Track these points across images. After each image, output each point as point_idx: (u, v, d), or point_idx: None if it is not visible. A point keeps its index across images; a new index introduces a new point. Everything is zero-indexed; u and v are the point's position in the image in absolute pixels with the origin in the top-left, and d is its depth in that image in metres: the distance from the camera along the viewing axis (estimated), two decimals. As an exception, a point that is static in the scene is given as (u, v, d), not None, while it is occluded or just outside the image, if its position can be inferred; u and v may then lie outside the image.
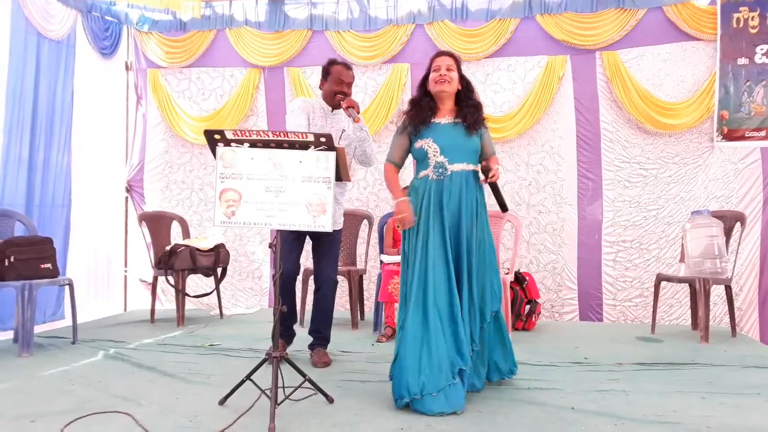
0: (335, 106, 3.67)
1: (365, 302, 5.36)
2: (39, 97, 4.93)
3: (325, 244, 3.68)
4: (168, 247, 5.00)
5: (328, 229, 2.69)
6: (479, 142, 3.05)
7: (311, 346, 3.75)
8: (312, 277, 3.88)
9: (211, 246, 5.10)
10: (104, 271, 5.84)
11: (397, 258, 4.57)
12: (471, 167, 3.02)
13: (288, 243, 3.59)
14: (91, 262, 5.65)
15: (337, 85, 3.63)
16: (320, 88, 3.75)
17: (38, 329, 4.28)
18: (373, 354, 3.92)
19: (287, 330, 3.79)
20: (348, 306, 4.96)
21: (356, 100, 5.70)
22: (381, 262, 4.76)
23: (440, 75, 3.02)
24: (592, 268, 5.41)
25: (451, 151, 2.99)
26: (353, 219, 5.16)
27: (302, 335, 3.88)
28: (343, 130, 3.67)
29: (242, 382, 2.76)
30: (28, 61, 4.82)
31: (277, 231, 2.76)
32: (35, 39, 4.89)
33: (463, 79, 3.12)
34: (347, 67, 3.72)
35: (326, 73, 3.70)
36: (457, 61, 3.11)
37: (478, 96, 3.15)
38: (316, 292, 3.75)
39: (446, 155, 2.99)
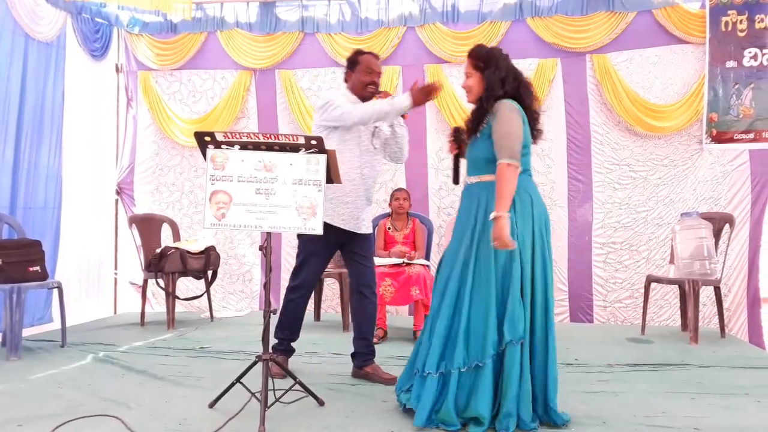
0: (366, 98, 3.35)
1: (356, 304, 5.34)
2: (26, 99, 4.88)
3: (364, 247, 3.45)
4: (158, 250, 4.98)
5: (319, 231, 2.69)
6: (483, 145, 2.68)
7: (365, 360, 3.41)
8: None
9: (202, 248, 5.08)
10: (94, 273, 5.80)
11: (389, 260, 4.58)
12: (473, 179, 2.73)
13: (323, 255, 3.39)
14: (82, 264, 5.60)
15: (367, 75, 3.34)
16: (345, 80, 3.46)
17: (26, 332, 4.24)
18: (365, 356, 3.91)
19: (289, 344, 3.48)
20: (339, 308, 4.95)
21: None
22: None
23: (462, 86, 2.81)
24: (583, 269, 5.43)
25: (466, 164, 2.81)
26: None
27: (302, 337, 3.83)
28: (376, 127, 3.39)
29: (232, 384, 2.75)
30: (14, 63, 4.78)
31: (268, 234, 2.75)
32: (23, 40, 4.84)
33: (492, 73, 2.67)
34: (376, 56, 3.46)
35: (354, 63, 3.39)
36: (478, 59, 2.72)
37: (504, 87, 2.67)
38: (362, 298, 3.43)
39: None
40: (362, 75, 3.35)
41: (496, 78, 2.67)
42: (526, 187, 2.64)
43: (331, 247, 3.42)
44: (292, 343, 3.49)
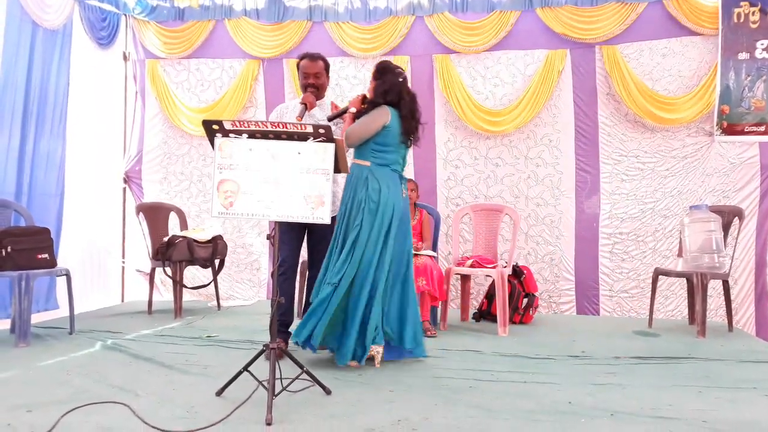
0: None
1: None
2: (32, 87, 4.88)
3: (321, 233, 3.63)
4: (165, 239, 4.99)
5: (327, 221, 2.69)
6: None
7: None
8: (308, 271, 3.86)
9: (209, 237, 5.09)
10: (99, 261, 5.81)
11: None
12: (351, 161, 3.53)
13: (286, 233, 3.56)
14: (86, 252, 5.61)
15: (303, 78, 3.74)
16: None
17: (33, 319, 4.25)
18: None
19: (285, 327, 3.67)
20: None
21: (356, 93, 5.72)
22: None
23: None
24: (589, 259, 5.42)
25: None
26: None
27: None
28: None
29: (239, 373, 2.76)
30: (21, 50, 4.77)
31: (276, 223, 2.75)
32: (30, 28, 4.83)
33: (379, 85, 3.50)
34: (313, 58, 3.76)
35: (297, 69, 3.83)
36: (374, 71, 3.55)
37: (385, 97, 3.46)
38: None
39: None
40: (300, 79, 3.80)
41: (380, 89, 3.46)
42: (382, 177, 3.41)
43: (295, 225, 3.58)
44: (289, 325, 3.68)
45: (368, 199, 3.36)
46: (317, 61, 3.75)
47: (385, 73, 3.49)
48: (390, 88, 3.45)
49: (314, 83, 3.71)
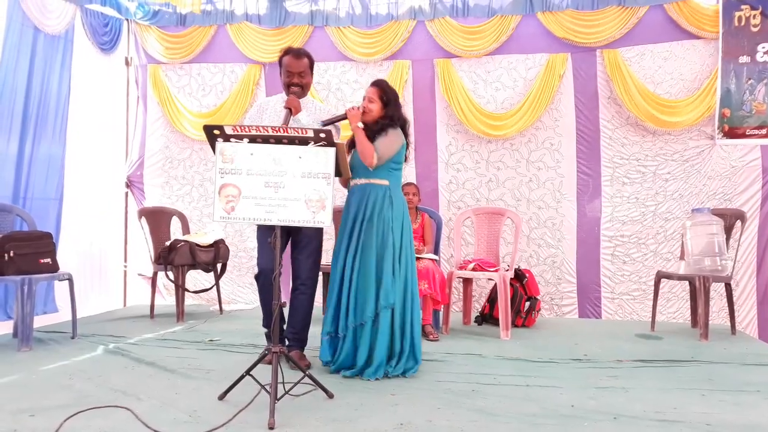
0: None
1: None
2: (32, 91, 4.89)
3: (302, 240, 3.45)
4: (168, 243, 5.00)
5: (327, 224, 2.70)
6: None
7: (287, 347, 3.45)
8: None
9: (211, 241, 5.10)
10: (101, 265, 5.81)
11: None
12: (361, 181, 3.45)
13: (265, 244, 3.37)
14: (87, 256, 5.61)
15: (286, 77, 3.43)
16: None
17: (35, 323, 4.26)
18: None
19: (279, 333, 3.50)
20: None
21: (358, 97, 5.76)
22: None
23: (363, 106, 3.45)
24: (591, 262, 5.42)
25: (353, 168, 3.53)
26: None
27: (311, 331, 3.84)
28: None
29: (242, 377, 2.76)
30: (22, 55, 4.78)
31: (277, 228, 2.75)
32: (31, 33, 4.85)
33: (392, 109, 3.46)
34: (297, 55, 3.44)
35: (279, 65, 3.50)
36: (384, 93, 3.45)
37: (398, 121, 3.49)
38: (293, 290, 3.49)
39: None
40: (283, 77, 3.48)
41: (397, 114, 3.47)
42: (400, 196, 3.48)
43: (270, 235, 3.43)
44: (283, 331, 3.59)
45: (395, 218, 3.38)
46: (302, 59, 3.44)
47: (395, 98, 3.51)
48: (399, 113, 3.52)
49: (298, 83, 3.42)
